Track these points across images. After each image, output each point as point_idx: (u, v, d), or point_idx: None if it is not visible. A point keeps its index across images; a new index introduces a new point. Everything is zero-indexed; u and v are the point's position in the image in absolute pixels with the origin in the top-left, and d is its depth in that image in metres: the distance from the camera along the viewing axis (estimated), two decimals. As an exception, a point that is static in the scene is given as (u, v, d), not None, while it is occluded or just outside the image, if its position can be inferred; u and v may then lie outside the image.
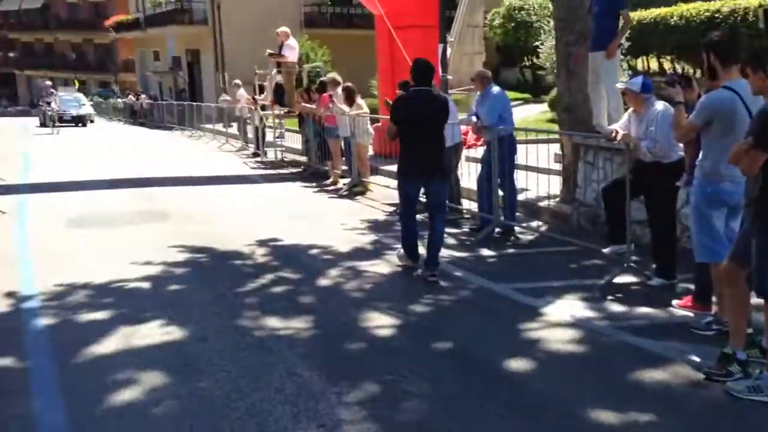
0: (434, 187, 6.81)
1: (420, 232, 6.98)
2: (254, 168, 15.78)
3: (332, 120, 12.36)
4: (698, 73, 12.69)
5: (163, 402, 4.14)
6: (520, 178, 8.74)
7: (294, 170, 14.84)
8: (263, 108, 17.15)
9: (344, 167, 12.66)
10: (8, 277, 6.83)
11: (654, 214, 6.27)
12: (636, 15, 13.35)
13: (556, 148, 10.25)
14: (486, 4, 24.29)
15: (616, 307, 5.76)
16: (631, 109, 6.38)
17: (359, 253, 7.63)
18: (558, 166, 9.70)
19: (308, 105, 13.76)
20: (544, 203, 9.04)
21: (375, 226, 9.11)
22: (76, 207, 10.61)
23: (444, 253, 7.09)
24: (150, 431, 3.87)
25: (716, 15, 12.72)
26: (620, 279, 6.34)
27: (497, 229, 8.36)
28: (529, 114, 17.80)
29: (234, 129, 21.49)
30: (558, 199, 9.10)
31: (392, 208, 9.93)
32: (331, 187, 12.27)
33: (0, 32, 60.00)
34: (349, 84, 12.22)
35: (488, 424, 3.89)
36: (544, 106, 18.20)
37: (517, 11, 23.33)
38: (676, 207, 6.35)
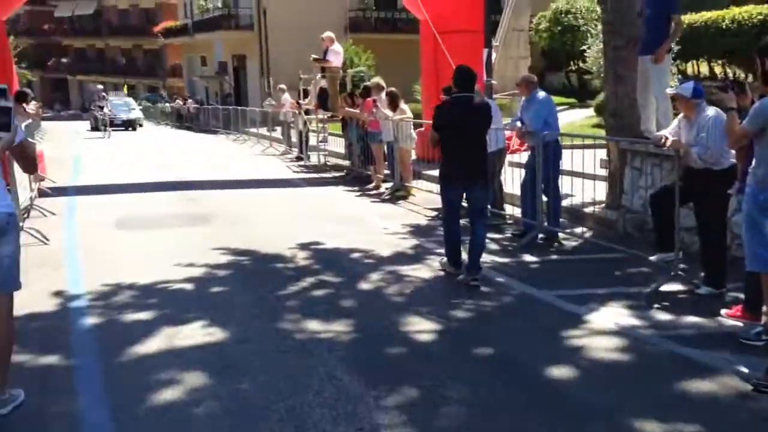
0: (476, 193, 6.77)
1: (462, 237, 6.94)
2: (297, 172, 15.89)
3: (375, 124, 12.38)
4: (749, 78, 12.38)
5: (204, 403, 4.18)
6: (564, 183, 8.63)
7: (337, 174, 14.90)
8: (307, 112, 17.26)
9: (387, 172, 12.67)
10: (57, 276, 6.98)
11: (704, 222, 6.12)
12: (686, 18, 13.09)
13: (601, 153, 10.09)
14: (532, 8, 24.12)
15: (663, 316, 5.63)
16: (681, 115, 6.24)
17: (401, 258, 7.62)
18: (603, 172, 9.55)
19: (352, 109, 13.82)
20: (588, 209, 8.90)
21: (417, 230, 9.08)
22: (124, 209, 10.83)
23: (486, 258, 7.04)
24: None
25: (769, 18, 12.44)
26: (667, 287, 6.20)
27: (540, 235, 8.26)
28: (574, 119, 17.60)
29: (278, 133, 21.68)
30: (603, 205, 8.96)
31: (434, 213, 9.90)
32: (374, 192, 12.29)
33: (54, 38, 61.60)
34: (393, 89, 12.24)
35: (529, 432, 3.83)
36: (590, 111, 17.98)
37: (564, 15, 23.13)
38: (726, 215, 6.19)
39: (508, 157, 10.02)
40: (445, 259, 7.00)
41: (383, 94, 12.18)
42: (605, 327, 5.41)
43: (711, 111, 5.91)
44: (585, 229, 8.57)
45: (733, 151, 5.60)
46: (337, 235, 8.62)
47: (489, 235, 7.15)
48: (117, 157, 20.04)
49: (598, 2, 12.60)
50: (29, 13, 57.74)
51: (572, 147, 9.11)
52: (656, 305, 5.85)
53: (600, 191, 8.98)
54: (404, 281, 6.74)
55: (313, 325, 5.48)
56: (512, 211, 9.33)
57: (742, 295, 5.49)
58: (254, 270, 7.26)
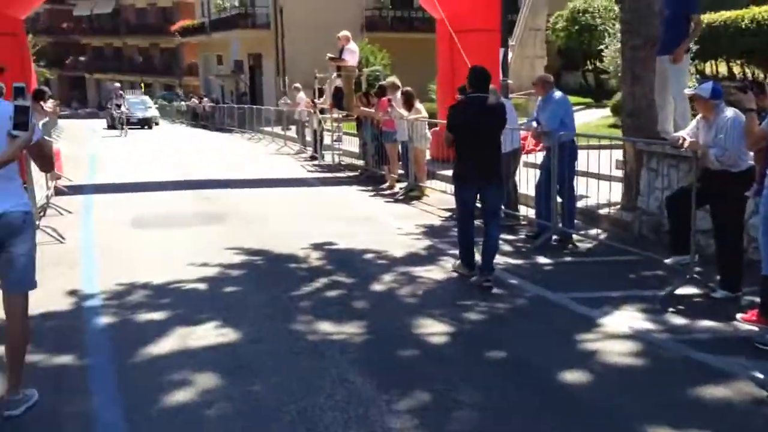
0: (490, 193, 6.74)
1: (476, 238, 6.91)
2: (311, 171, 15.90)
3: (390, 124, 12.36)
4: (769, 78, 12.26)
5: (216, 404, 4.19)
6: (579, 184, 8.57)
7: (351, 174, 14.90)
8: (322, 111, 17.29)
9: (401, 171, 12.65)
10: (72, 275, 7.03)
11: (721, 224, 6.05)
12: (705, 18, 12.97)
13: (617, 154, 10.02)
14: (549, 7, 24.01)
15: (678, 320, 5.58)
16: (699, 116, 6.18)
17: (414, 259, 7.60)
18: (619, 173, 9.48)
19: (367, 109, 13.80)
20: (604, 211, 8.84)
21: (431, 231, 9.06)
22: (140, 208, 10.89)
23: (500, 260, 7.00)
24: (202, 432, 3.92)
25: (789, 18, 12.31)
26: (682, 290, 6.15)
27: (555, 237, 8.21)
28: (590, 119, 17.51)
29: (292, 132, 21.74)
30: (618, 206, 8.89)
31: (448, 214, 9.87)
32: (388, 192, 12.27)
33: (72, 37, 62.09)
34: (408, 88, 12.21)
35: (541, 437, 3.81)
36: (606, 111, 17.88)
37: (581, 14, 23.00)
38: (744, 217, 6.13)
39: (523, 158, 9.97)
40: (458, 261, 6.98)
41: (398, 94, 12.16)
42: (619, 330, 5.37)
43: (730, 112, 5.85)
44: (600, 231, 8.51)
45: (751, 153, 5.53)
46: (351, 235, 8.61)
47: (503, 236, 7.11)
48: (133, 155, 20.16)
49: (616, 1, 12.55)
50: (48, 11, 58.30)
51: (588, 147, 9.04)
52: (671, 309, 5.80)
53: (615, 192, 8.92)
54: (417, 283, 6.72)
55: (326, 326, 5.48)
56: (526, 212, 9.28)
57: (758, 299, 5.41)
58: (268, 270, 7.27)
